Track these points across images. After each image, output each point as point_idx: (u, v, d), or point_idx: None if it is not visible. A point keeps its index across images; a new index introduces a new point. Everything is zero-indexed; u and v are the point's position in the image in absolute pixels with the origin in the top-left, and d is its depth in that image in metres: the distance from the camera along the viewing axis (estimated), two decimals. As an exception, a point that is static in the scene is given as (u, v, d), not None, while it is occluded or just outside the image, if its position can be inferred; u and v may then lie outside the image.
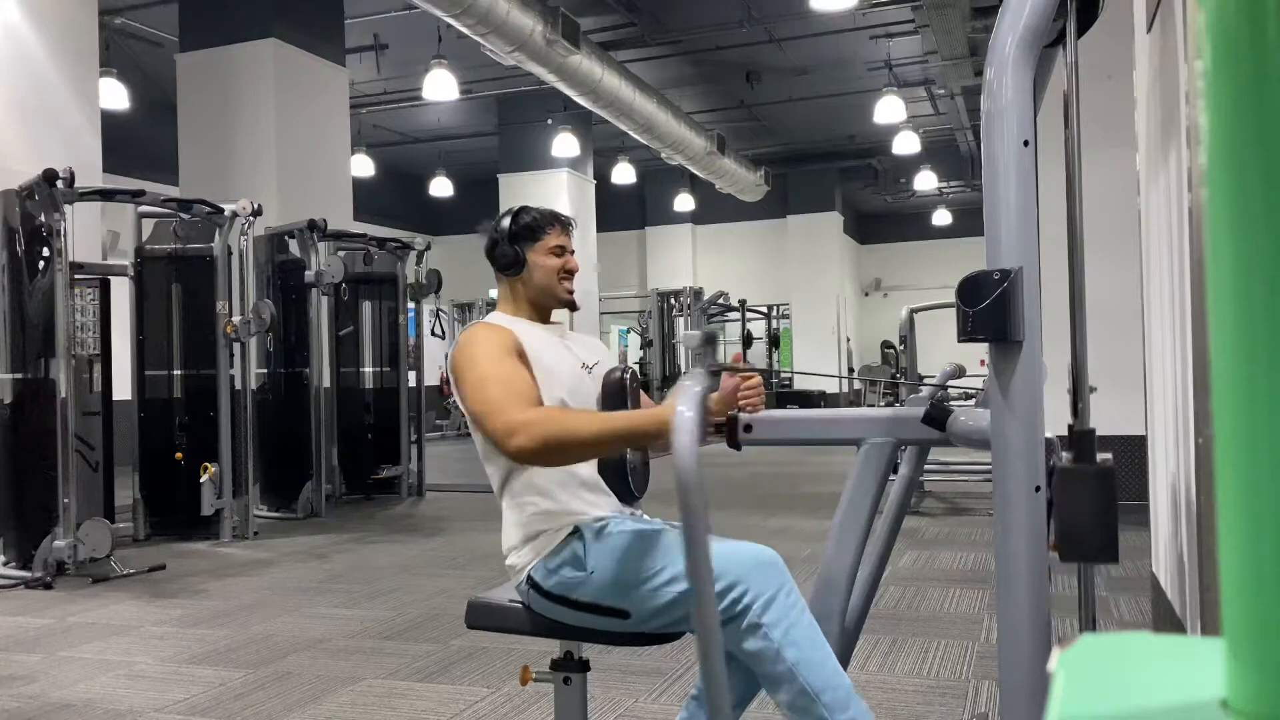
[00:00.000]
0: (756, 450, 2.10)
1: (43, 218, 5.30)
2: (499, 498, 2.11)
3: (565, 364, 2.13)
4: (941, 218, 19.76)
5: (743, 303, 17.56)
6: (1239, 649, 0.41)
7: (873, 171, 17.93)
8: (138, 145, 10.93)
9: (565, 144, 13.34)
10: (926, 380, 7.85)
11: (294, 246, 7.48)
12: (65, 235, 5.29)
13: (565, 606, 1.99)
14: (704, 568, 1.53)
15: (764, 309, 18.59)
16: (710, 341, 1.68)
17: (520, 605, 2.07)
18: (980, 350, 1.65)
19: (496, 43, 8.76)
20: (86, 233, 6.18)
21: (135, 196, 6.10)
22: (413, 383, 8.45)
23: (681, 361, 16.52)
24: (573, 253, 2.26)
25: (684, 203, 18.13)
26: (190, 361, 6.49)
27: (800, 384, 17.95)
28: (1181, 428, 2.47)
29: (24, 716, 3.14)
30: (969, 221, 18.61)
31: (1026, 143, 1.60)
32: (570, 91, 10.38)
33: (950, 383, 2.92)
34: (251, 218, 6.47)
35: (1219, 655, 0.43)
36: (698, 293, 16.52)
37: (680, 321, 16.48)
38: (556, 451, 1.84)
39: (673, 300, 16.41)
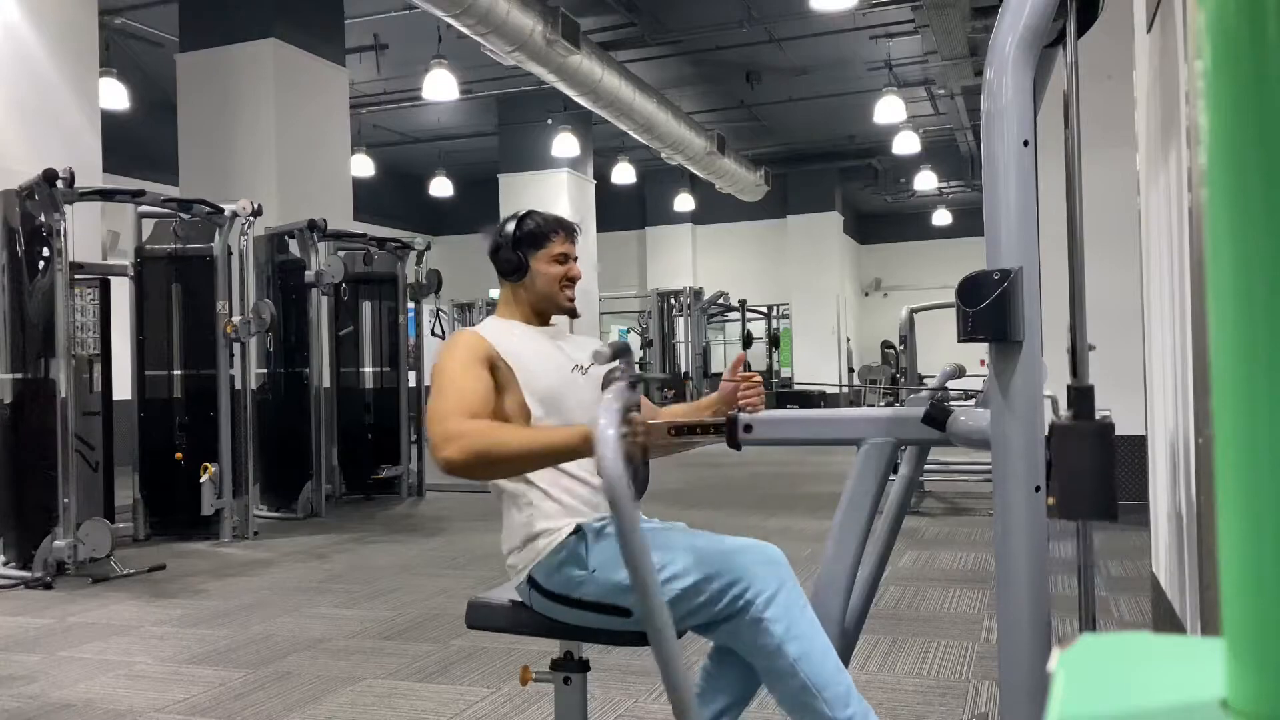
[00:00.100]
0: (756, 450, 2.10)
1: (43, 218, 5.30)
2: (499, 498, 2.11)
3: (551, 364, 2.13)
4: (941, 218, 19.77)
5: (743, 303, 17.57)
6: (1239, 649, 0.41)
7: (873, 171, 17.94)
8: (138, 145, 10.93)
9: (565, 144, 13.34)
10: (926, 380, 7.85)
11: (294, 246, 7.48)
12: (65, 235, 5.29)
13: (567, 605, 1.99)
14: (646, 577, 1.59)
15: (764, 309, 18.60)
16: (621, 355, 1.71)
17: (521, 605, 2.07)
18: (980, 350, 1.65)
19: (496, 43, 8.77)
20: (86, 233, 6.18)
21: (135, 196, 6.10)
22: (413, 383, 8.45)
23: (682, 362, 16.53)
24: (576, 260, 2.26)
25: (684, 203, 18.14)
26: (190, 361, 6.49)
27: (800, 384, 17.95)
28: (1181, 428, 2.47)
29: (24, 716, 3.14)
30: (969, 221, 18.61)
31: (1026, 143, 1.60)
32: (570, 91, 10.38)
33: (950, 383, 2.92)
34: (251, 218, 6.47)
35: (1219, 655, 0.43)
36: (698, 293, 16.52)
37: (680, 321, 16.48)
38: (482, 465, 1.88)
39: (673, 300, 16.41)
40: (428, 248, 8.65)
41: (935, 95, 13.42)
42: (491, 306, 15.16)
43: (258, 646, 3.89)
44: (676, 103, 12.68)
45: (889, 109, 11.94)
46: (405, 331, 8.44)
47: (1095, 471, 1.61)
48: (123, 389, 6.29)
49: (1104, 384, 1.87)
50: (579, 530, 2.01)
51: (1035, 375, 1.60)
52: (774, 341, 18.58)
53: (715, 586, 1.88)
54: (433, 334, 15.12)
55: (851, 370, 18.28)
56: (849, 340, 19.32)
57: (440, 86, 10.23)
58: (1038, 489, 1.61)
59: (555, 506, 2.04)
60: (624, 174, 15.68)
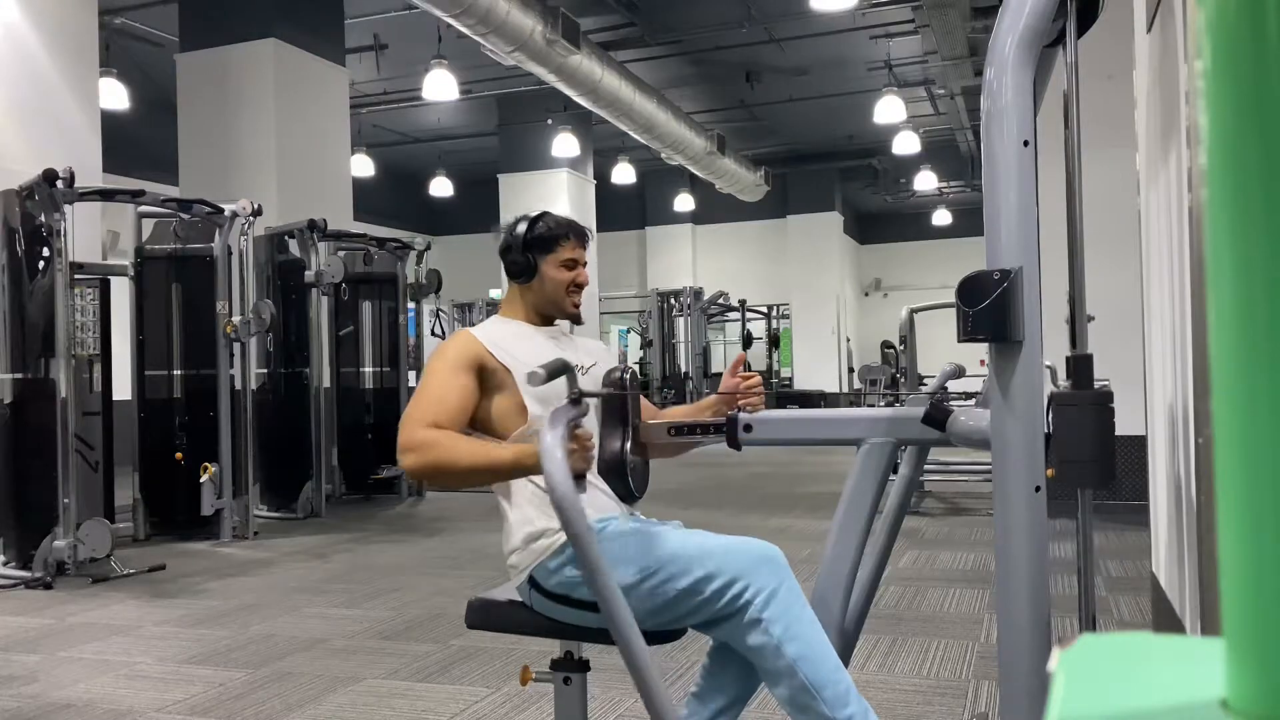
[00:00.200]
0: (756, 450, 2.10)
1: (43, 218, 5.30)
2: (500, 498, 2.11)
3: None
4: (941, 218, 19.76)
5: (743, 303, 17.56)
6: (1239, 649, 0.41)
7: (873, 171, 17.94)
8: (138, 145, 10.92)
9: (565, 144, 13.34)
10: (926, 380, 7.85)
11: (294, 246, 7.48)
12: (65, 235, 5.29)
13: (567, 606, 1.99)
14: (606, 589, 1.64)
15: (764, 309, 18.59)
16: (559, 374, 1.74)
17: (521, 605, 2.07)
18: (980, 350, 1.65)
19: (496, 43, 8.77)
20: (86, 233, 6.18)
21: (135, 196, 6.10)
22: (413, 383, 8.44)
23: (682, 362, 16.52)
24: (585, 265, 2.26)
25: (684, 203, 18.14)
26: (190, 361, 6.49)
27: (800, 384, 17.95)
28: (1181, 428, 2.47)
29: (24, 716, 3.14)
30: (969, 221, 18.61)
31: (1026, 143, 1.60)
32: (570, 91, 10.38)
33: (950, 383, 2.92)
34: (251, 218, 6.47)
35: (1219, 655, 0.43)
36: (698, 293, 16.52)
37: (680, 321, 16.48)
38: (436, 476, 1.98)
39: (673, 300, 16.41)
40: (428, 248, 8.65)
41: (935, 95, 13.42)
42: (491, 306, 15.19)
43: (258, 646, 3.89)
44: (676, 103, 12.68)
45: (889, 109, 11.93)
46: (405, 331, 8.44)
47: (1094, 439, 1.61)
48: (123, 389, 6.29)
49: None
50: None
51: (1035, 375, 1.60)
52: (774, 341, 18.57)
53: (713, 586, 1.88)
54: (433, 334, 15.12)
55: (851, 370, 18.28)
56: (849, 340, 19.32)
57: (440, 86, 10.23)
58: (1038, 489, 1.61)
59: (556, 507, 2.04)
60: (624, 174, 15.68)
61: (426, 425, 1.97)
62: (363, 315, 8.48)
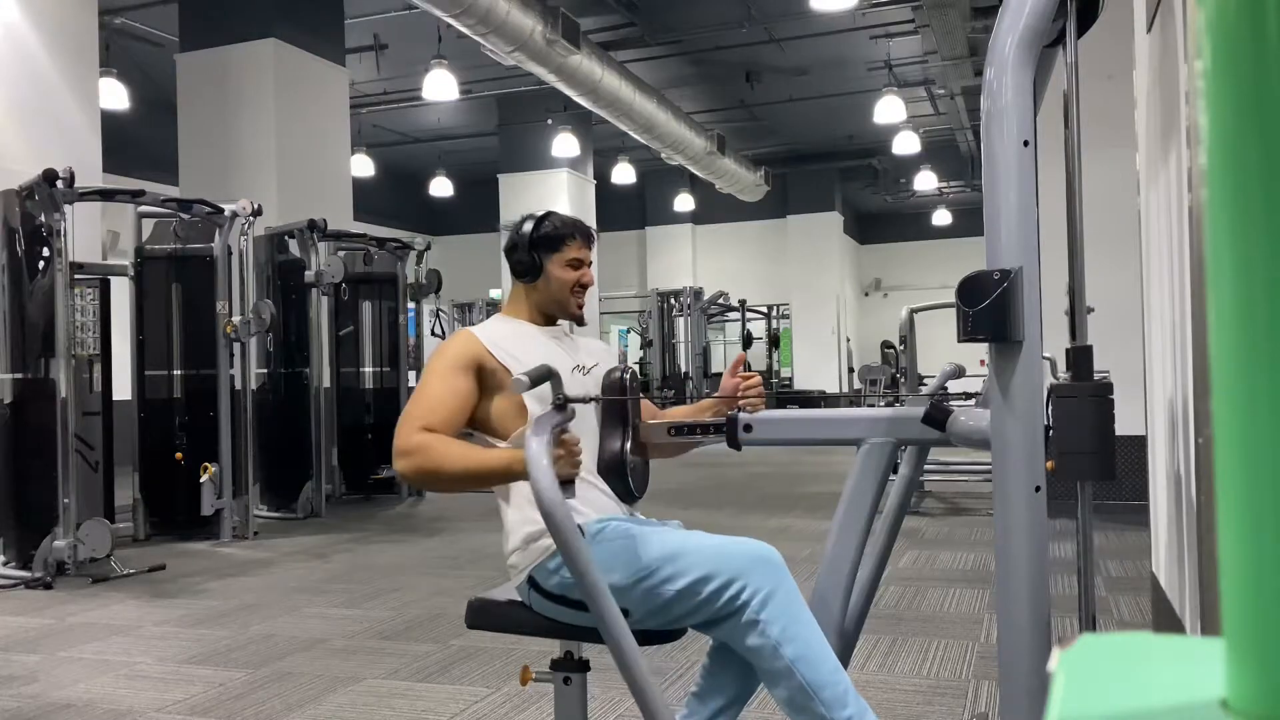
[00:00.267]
0: (757, 450, 2.10)
1: (43, 218, 5.30)
2: (499, 498, 2.11)
3: (553, 364, 2.13)
4: (941, 218, 19.76)
5: (743, 303, 17.56)
6: (1239, 649, 0.41)
7: (873, 171, 17.94)
8: (138, 145, 10.93)
9: (565, 144, 13.34)
10: (926, 380, 7.85)
11: (294, 246, 7.48)
12: (65, 235, 5.29)
13: (567, 606, 1.99)
14: (597, 592, 1.65)
15: (764, 309, 18.60)
16: (543, 380, 1.75)
17: (521, 605, 2.07)
18: (980, 350, 1.65)
19: (496, 43, 8.77)
20: (86, 233, 6.18)
21: (135, 196, 6.10)
22: (413, 382, 8.44)
23: (682, 362, 16.52)
24: (590, 265, 2.26)
25: (684, 203, 18.14)
26: (190, 361, 6.49)
27: (800, 384, 17.95)
28: (1181, 428, 2.47)
29: (24, 716, 3.14)
30: (969, 221, 18.61)
31: (1026, 143, 1.60)
32: (570, 91, 10.38)
33: (950, 383, 2.92)
34: (251, 218, 6.47)
35: (1219, 655, 0.43)
36: (698, 293, 16.52)
37: (680, 321, 16.48)
38: (426, 481, 2.00)
39: (673, 300, 16.41)
40: (428, 248, 8.65)
41: (935, 95, 13.42)
42: (491, 306, 15.19)
43: (258, 646, 3.89)
44: (676, 103, 12.68)
45: (889, 109, 11.93)
46: (405, 331, 8.44)
47: (1094, 431, 1.61)
48: (123, 389, 6.29)
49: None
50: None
51: (1035, 375, 1.60)
52: (774, 341, 18.58)
53: (711, 587, 1.88)
54: (433, 334, 15.12)
55: (851, 370, 18.27)
56: (849, 340, 19.32)
57: (440, 86, 10.23)
58: (1038, 489, 1.61)
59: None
60: (624, 174, 15.68)
61: (421, 429, 1.97)
62: (363, 315, 8.48)
